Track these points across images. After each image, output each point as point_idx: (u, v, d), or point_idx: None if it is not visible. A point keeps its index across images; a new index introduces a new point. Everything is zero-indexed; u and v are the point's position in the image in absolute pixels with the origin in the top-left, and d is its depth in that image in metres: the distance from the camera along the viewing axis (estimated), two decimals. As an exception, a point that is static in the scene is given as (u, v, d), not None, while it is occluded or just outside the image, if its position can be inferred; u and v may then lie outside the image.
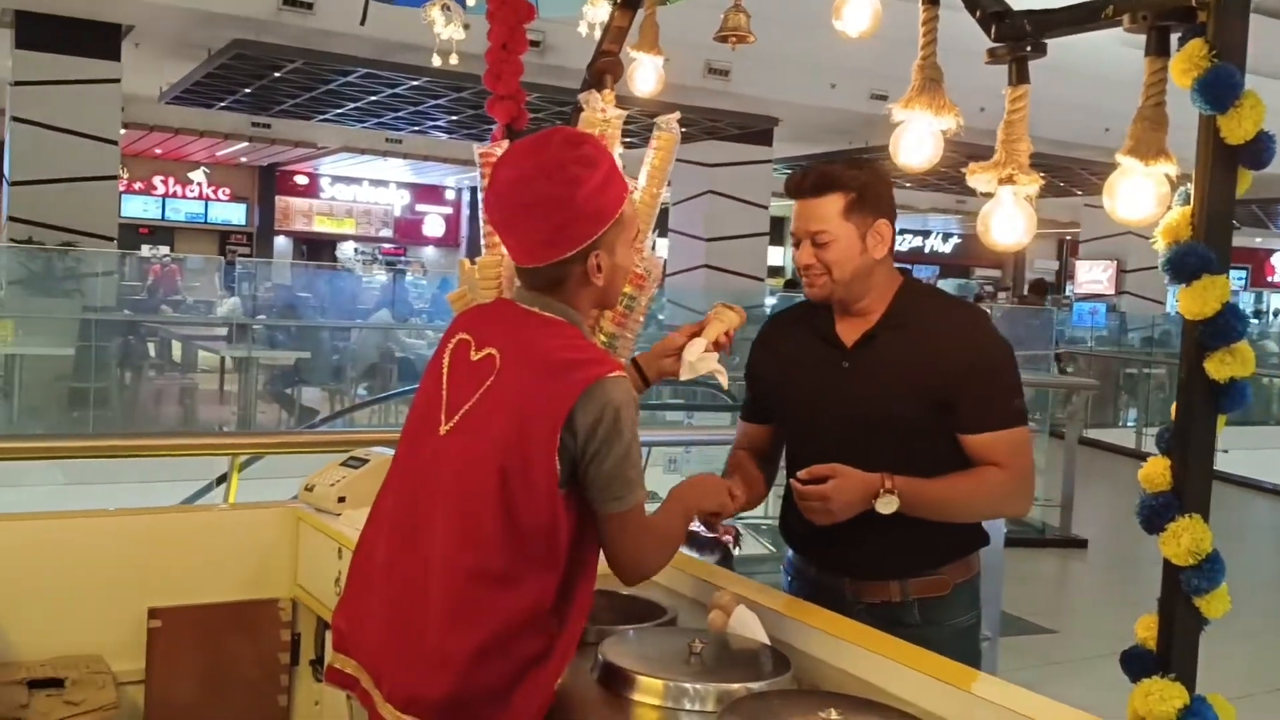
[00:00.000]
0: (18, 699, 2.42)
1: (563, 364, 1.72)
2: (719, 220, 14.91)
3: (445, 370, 1.83)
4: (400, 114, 15.37)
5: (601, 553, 1.80)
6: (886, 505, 2.11)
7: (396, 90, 13.44)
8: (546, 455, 1.67)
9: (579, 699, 1.77)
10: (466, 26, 3.60)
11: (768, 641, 1.97)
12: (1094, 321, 19.46)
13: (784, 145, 16.44)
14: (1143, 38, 1.57)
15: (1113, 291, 20.95)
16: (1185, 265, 1.44)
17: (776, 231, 23.57)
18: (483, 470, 1.69)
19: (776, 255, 25.85)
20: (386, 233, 26.26)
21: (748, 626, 1.99)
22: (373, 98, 14.05)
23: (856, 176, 2.18)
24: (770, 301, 15.63)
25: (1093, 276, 21.77)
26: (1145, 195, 1.56)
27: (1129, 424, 14.38)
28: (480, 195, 2.67)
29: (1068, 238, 28.59)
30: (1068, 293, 24.87)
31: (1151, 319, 18.73)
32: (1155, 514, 1.47)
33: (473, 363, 1.79)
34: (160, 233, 23.32)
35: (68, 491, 5.77)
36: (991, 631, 4.75)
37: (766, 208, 15.86)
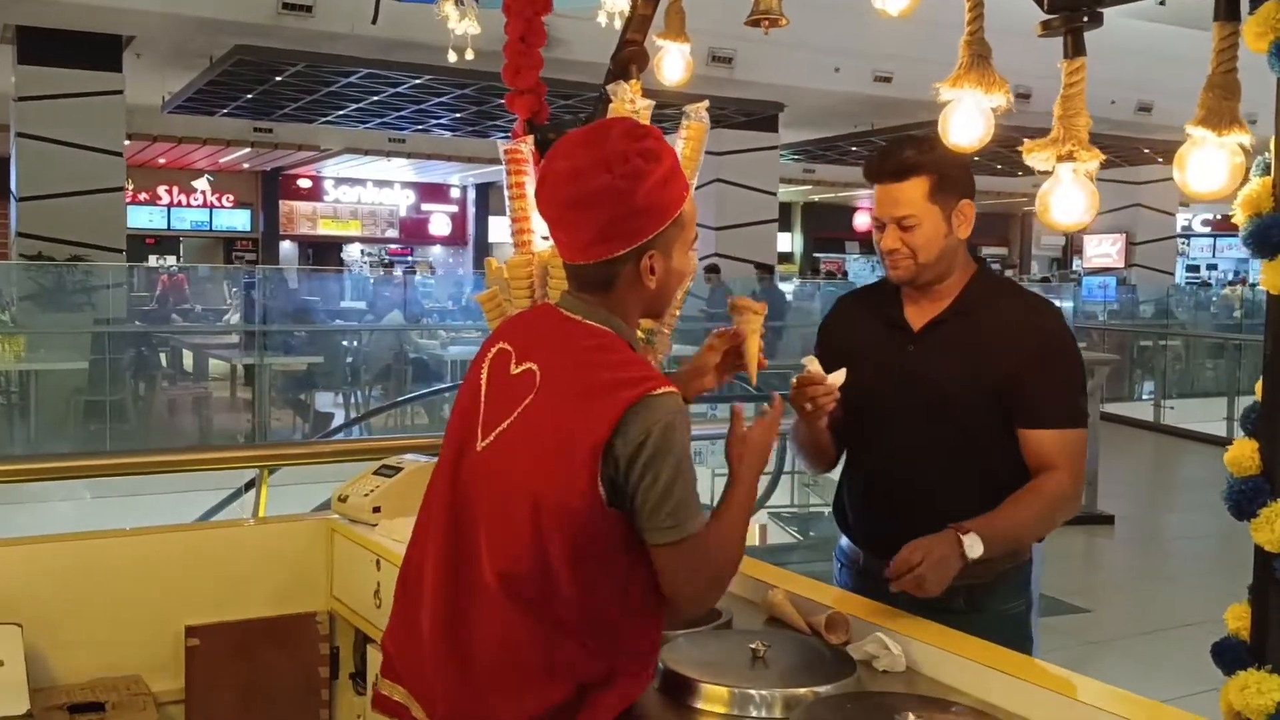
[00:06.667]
0: (59, 725, 2.38)
1: (604, 384, 1.59)
2: (728, 208, 14.85)
3: (484, 382, 1.73)
4: (403, 113, 15.33)
5: None
6: (974, 549, 2.01)
7: (399, 89, 13.40)
8: (588, 478, 1.55)
9: (641, 708, 1.71)
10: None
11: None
12: (1105, 295, 19.36)
13: (789, 131, 16.38)
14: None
15: (1122, 264, 20.83)
16: (1270, 238, 1.38)
17: (785, 218, 23.49)
18: (520, 492, 1.60)
19: (785, 241, 25.80)
20: (392, 233, 26.19)
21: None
22: (375, 98, 14.01)
23: (938, 158, 2.12)
24: (786, 287, 15.59)
25: (1102, 250, 21.64)
26: (1218, 166, 1.50)
27: (1144, 397, 14.28)
28: (509, 192, 2.63)
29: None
30: (1075, 267, 24.74)
31: (1167, 290, 18.63)
32: (1245, 499, 1.41)
33: (512, 376, 1.69)
34: (166, 242, 23.33)
35: (95, 506, 5.74)
36: (1033, 614, 4.71)
37: (775, 194, 15.80)
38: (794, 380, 2.12)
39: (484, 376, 1.74)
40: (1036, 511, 2.15)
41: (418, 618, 1.72)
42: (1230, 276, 30.13)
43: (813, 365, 2.09)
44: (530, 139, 2.66)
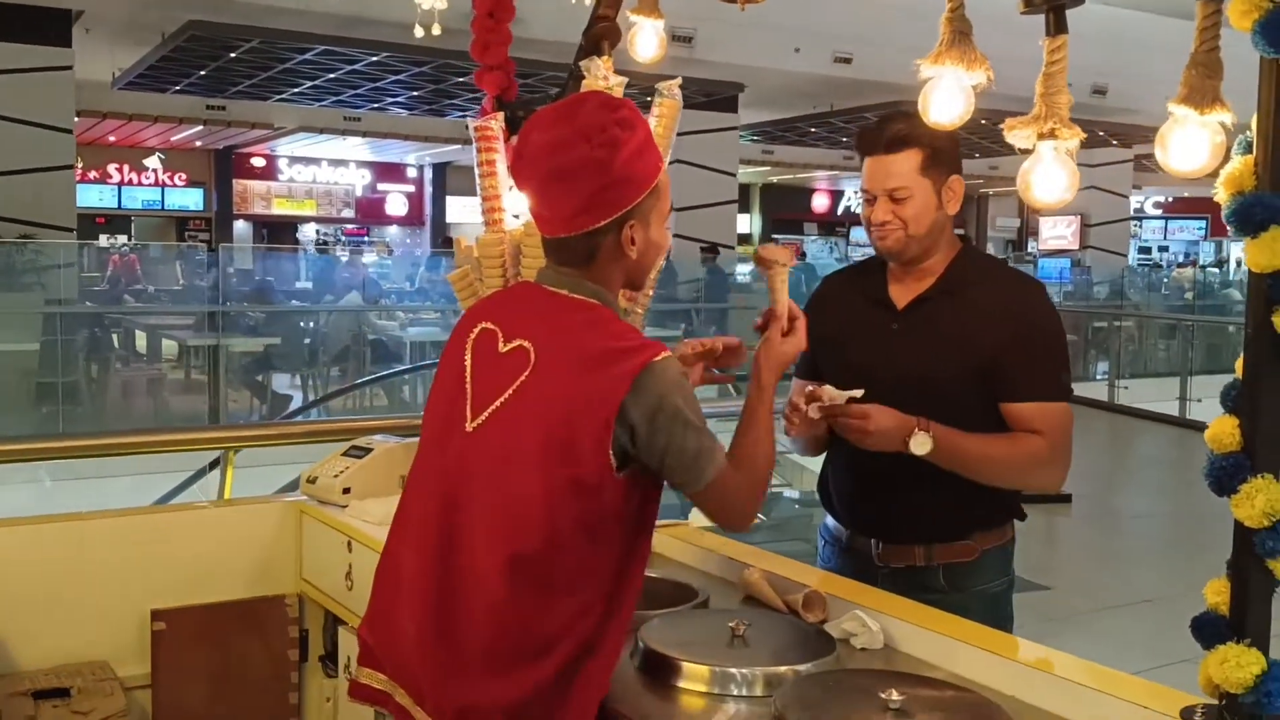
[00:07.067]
0: (25, 711, 2.33)
1: (605, 354, 1.61)
2: (687, 189, 14.81)
3: (469, 363, 1.72)
4: (359, 91, 15.16)
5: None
6: (920, 445, 2.07)
7: (355, 67, 13.24)
8: (598, 449, 1.57)
9: (621, 688, 1.70)
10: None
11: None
12: (1061, 277, 19.60)
13: (749, 112, 16.38)
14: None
15: (1077, 246, 21.08)
16: (1252, 216, 1.37)
17: (744, 199, 23.52)
18: (525, 468, 1.59)
19: (744, 223, 25.81)
20: (348, 213, 25.91)
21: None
22: (330, 75, 13.84)
23: (931, 132, 2.08)
24: (743, 269, 15.60)
25: (1057, 232, 21.91)
26: (1200, 145, 1.49)
27: (1099, 377, 14.48)
28: (479, 170, 2.59)
29: (1030, 194, 28.60)
30: (1030, 249, 24.99)
31: (1121, 272, 18.85)
32: (1226, 475, 1.41)
33: (501, 355, 1.68)
34: (117, 221, 22.94)
35: (52, 490, 5.64)
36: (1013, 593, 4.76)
37: (734, 175, 15.80)
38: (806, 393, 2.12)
39: (468, 358, 1.72)
40: (1005, 452, 2.16)
41: (400, 607, 1.69)
42: (1181, 258, 30.61)
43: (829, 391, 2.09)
44: (500, 115, 2.63)
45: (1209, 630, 1.47)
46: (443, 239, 23.33)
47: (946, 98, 1.81)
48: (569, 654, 1.60)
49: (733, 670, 1.72)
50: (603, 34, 2.59)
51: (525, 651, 1.59)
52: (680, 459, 1.63)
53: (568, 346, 1.64)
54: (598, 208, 1.67)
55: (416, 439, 2.88)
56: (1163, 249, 32.37)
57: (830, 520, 2.41)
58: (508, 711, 1.58)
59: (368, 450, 2.81)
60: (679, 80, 2.42)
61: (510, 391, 1.64)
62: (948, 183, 2.20)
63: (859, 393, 2.06)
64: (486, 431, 1.65)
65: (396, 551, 1.74)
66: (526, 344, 1.66)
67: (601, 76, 2.38)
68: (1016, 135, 1.70)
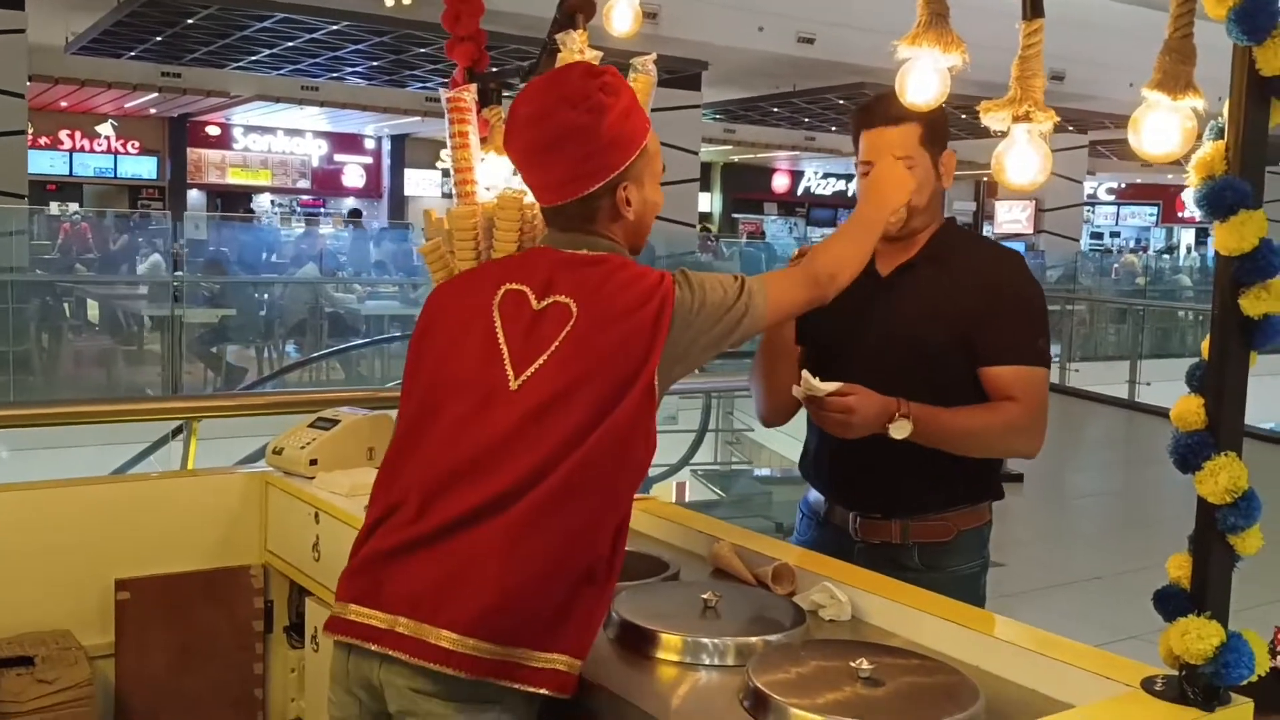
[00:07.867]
0: (-13, 680, 2.32)
1: (637, 297, 1.69)
2: (649, 166, 14.78)
3: (499, 324, 1.73)
4: (318, 60, 14.99)
5: None
6: (899, 430, 2.08)
7: (314, 35, 13.08)
8: (647, 380, 1.65)
9: (595, 657, 1.72)
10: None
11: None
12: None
13: (712, 90, 16.36)
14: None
15: (1031, 230, 21.33)
16: (1222, 200, 1.41)
17: (705, 178, 23.53)
18: (580, 409, 1.63)
19: (705, 201, 25.85)
20: (304, 184, 25.62)
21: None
22: (289, 43, 13.68)
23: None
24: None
25: (1012, 216, 22.18)
26: (1171, 130, 1.53)
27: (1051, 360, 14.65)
28: (451, 142, 2.58)
29: (984, 179, 28.91)
30: (986, 232, 25.23)
31: (1075, 256, 19.09)
32: (1190, 453, 1.45)
33: (538, 311, 1.71)
34: (68, 189, 22.53)
35: (13, 459, 5.55)
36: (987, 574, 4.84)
37: (696, 153, 15.79)
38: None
39: (497, 319, 1.73)
40: (982, 423, 2.17)
41: (418, 551, 1.66)
42: (1132, 244, 31.04)
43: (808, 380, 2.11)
44: (473, 87, 2.61)
45: (1171, 603, 1.51)
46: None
47: (922, 79, 1.83)
48: (577, 577, 1.63)
49: (705, 640, 1.74)
50: (578, 7, 2.58)
51: (543, 574, 1.61)
52: (740, 326, 1.77)
53: (602, 297, 1.70)
54: (589, 174, 1.72)
55: (384, 411, 2.90)
56: (1114, 234, 32.81)
57: (811, 494, 2.43)
58: (516, 624, 1.59)
59: (335, 422, 2.80)
60: (654, 56, 2.43)
61: (556, 344, 1.68)
62: (942, 157, 2.25)
63: (837, 386, 2.07)
64: (535, 385, 1.66)
65: (420, 500, 1.68)
66: (564, 299, 1.70)
67: (577, 50, 2.38)
68: (992, 118, 1.73)
